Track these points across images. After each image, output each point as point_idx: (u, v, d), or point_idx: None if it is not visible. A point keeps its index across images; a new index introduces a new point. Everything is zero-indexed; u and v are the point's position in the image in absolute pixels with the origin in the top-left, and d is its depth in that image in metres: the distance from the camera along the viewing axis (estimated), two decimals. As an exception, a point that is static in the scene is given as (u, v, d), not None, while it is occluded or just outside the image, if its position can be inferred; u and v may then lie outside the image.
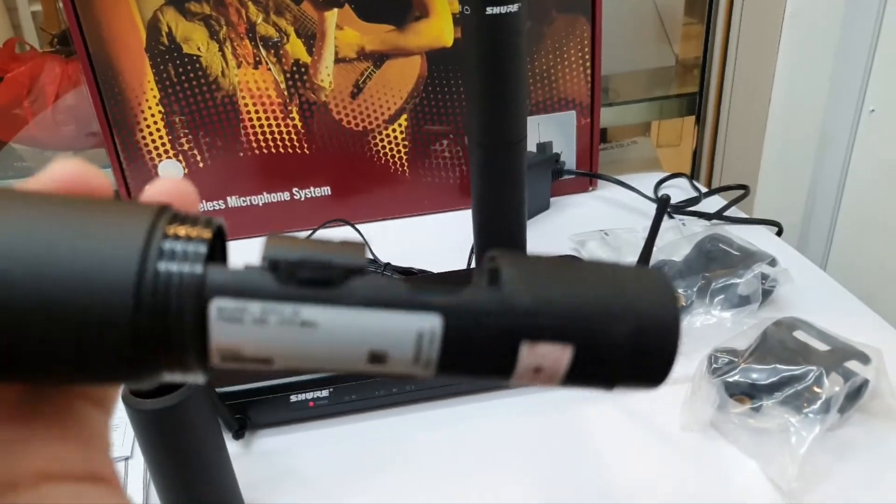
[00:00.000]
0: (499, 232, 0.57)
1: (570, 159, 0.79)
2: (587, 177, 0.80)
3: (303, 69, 0.73)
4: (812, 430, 0.45)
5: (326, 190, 0.79)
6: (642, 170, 0.86)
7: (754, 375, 0.48)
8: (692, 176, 0.84)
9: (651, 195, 0.75)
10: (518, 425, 0.50)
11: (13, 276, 0.15)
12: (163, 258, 0.16)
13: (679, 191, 0.78)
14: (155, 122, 0.74)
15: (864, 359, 0.48)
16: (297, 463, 0.49)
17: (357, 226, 0.74)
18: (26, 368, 0.16)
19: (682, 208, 0.69)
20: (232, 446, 0.50)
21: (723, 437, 0.48)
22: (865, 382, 0.47)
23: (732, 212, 0.72)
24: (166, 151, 0.75)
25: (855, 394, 0.47)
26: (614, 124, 0.90)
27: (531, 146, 0.77)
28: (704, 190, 0.74)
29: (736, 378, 0.48)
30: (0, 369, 0.16)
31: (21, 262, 0.15)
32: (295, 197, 0.78)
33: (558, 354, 0.18)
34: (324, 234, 0.75)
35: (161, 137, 0.74)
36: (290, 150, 0.76)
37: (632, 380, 0.19)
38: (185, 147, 0.75)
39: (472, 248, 0.60)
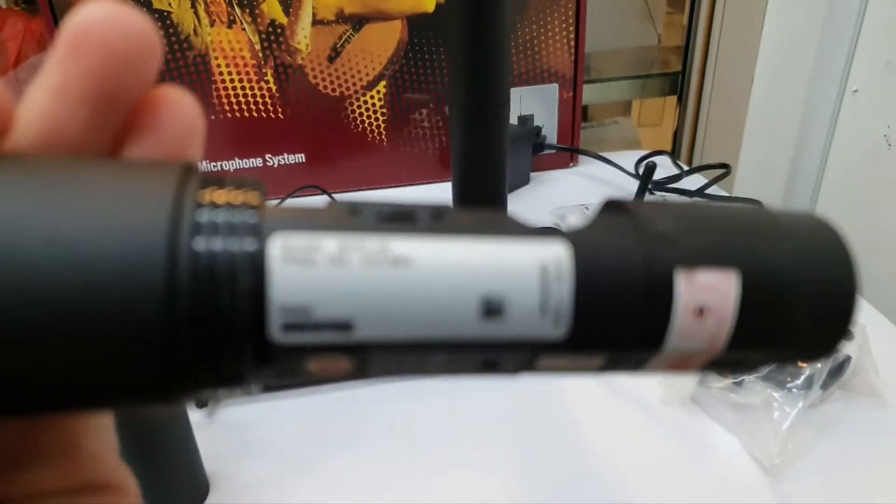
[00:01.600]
0: (479, 201, 0.56)
1: (551, 134, 0.78)
2: (569, 152, 0.79)
3: (279, 30, 0.70)
4: (794, 406, 0.44)
5: (301, 157, 0.76)
6: (623, 149, 0.85)
7: (737, 350, 0.47)
8: (673, 155, 0.83)
9: (632, 171, 0.74)
10: (494, 398, 0.49)
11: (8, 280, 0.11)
12: (199, 233, 0.12)
13: (660, 169, 0.77)
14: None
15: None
16: (262, 434, 0.47)
17: (332, 195, 0.72)
18: (35, 402, 0.12)
19: (664, 185, 0.68)
20: (195, 416, 0.48)
21: (704, 412, 0.47)
22: (848, 359, 0.47)
23: (713, 190, 0.71)
24: (133, 111, 0.72)
25: (837, 370, 0.47)
26: (596, 101, 0.89)
27: (512, 119, 0.76)
28: (686, 168, 0.73)
29: (718, 352, 0.47)
30: (9, 407, 0.12)
31: (15, 261, 0.11)
32: (268, 163, 0.76)
33: (724, 284, 0.14)
34: (301, 203, 0.72)
35: (128, 96, 0.71)
36: (263, 115, 0.74)
37: (808, 333, 0.15)
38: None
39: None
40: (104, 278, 0.11)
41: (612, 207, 0.15)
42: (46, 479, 0.16)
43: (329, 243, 0.12)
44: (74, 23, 0.13)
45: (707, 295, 0.14)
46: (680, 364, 0.15)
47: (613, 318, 0.13)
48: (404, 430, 0.47)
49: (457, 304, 0.13)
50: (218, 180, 0.13)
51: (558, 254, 0.13)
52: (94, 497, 0.17)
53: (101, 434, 0.17)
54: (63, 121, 0.13)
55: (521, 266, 0.13)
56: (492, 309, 0.13)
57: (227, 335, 0.12)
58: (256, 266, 0.12)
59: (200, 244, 0.12)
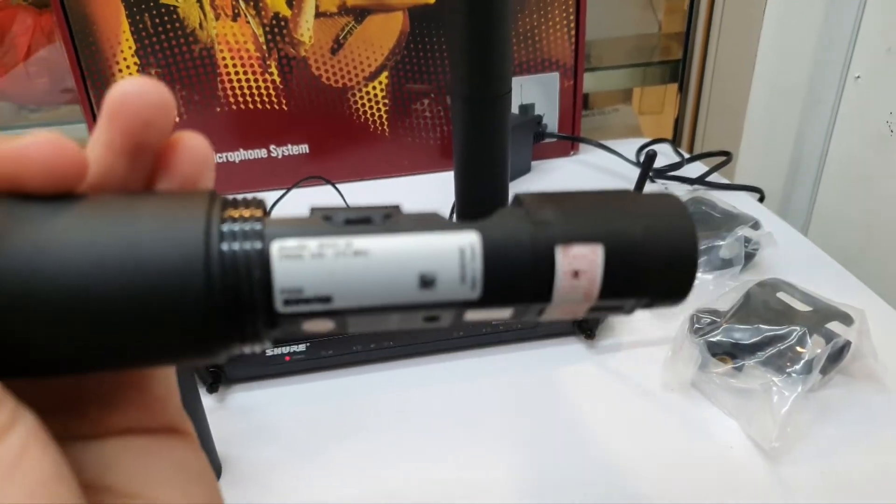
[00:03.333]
0: (481, 190, 0.56)
1: (552, 122, 0.78)
2: (570, 140, 0.79)
3: (282, 23, 0.71)
4: (794, 391, 0.45)
5: (304, 148, 0.77)
6: (624, 137, 0.85)
7: (736, 335, 0.48)
8: (674, 142, 0.83)
9: (633, 159, 0.74)
10: (497, 385, 0.50)
11: (91, 282, 0.16)
12: (224, 240, 0.17)
13: (661, 156, 0.77)
14: (131, 75, 0.71)
15: (846, 320, 0.48)
16: (273, 418, 0.48)
17: (336, 185, 0.73)
18: (114, 362, 0.18)
19: (665, 173, 0.68)
20: (206, 400, 0.49)
21: (704, 397, 0.48)
22: (847, 344, 0.47)
23: (714, 178, 0.71)
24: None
25: (837, 355, 0.47)
26: (596, 90, 0.89)
27: (514, 108, 0.76)
28: (687, 156, 0.74)
29: (718, 338, 0.48)
30: (91, 365, 0.18)
31: (99, 267, 0.16)
32: (272, 154, 0.76)
33: (592, 254, 0.19)
34: (306, 193, 0.73)
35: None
36: (268, 107, 0.74)
37: (660, 285, 0.20)
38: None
39: (453, 208, 0.59)
40: (163, 274, 0.17)
41: (515, 202, 0.20)
42: (125, 419, 0.21)
43: (311, 244, 0.18)
44: (114, 94, 0.18)
45: (580, 262, 0.19)
46: (570, 311, 0.20)
47: (512, 283, 0.19)
48: (409, 415, 0.48)
49: (402, 280, 0.18)
50: (233, 201, 0.19)
51: (472, 240, 0.18)
52: (172, 439, 0.21)
53: (166, 382, 0.22)
54: (111, 167, 0.19)
55: (446, 251, 0.18)
56: (427, 281, 0.18)
57: (247, 309, 0.17)
58: (264, 262, 0.17)
59: (226, 247, 0.17)
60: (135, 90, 0.18)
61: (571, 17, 0.74)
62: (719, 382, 0.47)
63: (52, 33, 0.81)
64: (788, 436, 0.44)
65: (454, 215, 0.58)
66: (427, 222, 0.19)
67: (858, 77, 0.66)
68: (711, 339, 0.48)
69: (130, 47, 0.70)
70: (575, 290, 0.19)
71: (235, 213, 0.18)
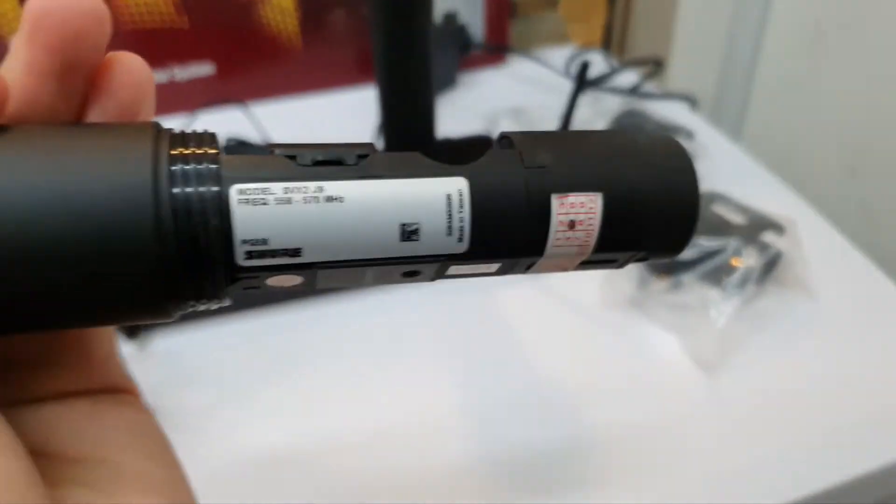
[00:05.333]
0: (405, 106, 0.52)
1: (477, 32, 0.74)
2: (497, 51, 0.75)
3: (172, -76, 0.63)
4: (730, 303, 0.44)
5: (210, 68, 0.70)
6: (552, 43, 0.82)
7: (674, 251, 0.47)
8: (605, 50, 0.81)
9: (563, 70, 0.71)
10: (433, 309, 0.48)
11: (23, 233, 0.14)
12: (175, 182, 0.15)
13: (592, 67, 0.75)
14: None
15: (778, 230, 0.48)
16: (199, 362, 0.45)
17: (247, 106, 0.67)
18: (53, 321, 0.16)
19: (597, 83, 0.66)
20: (127, 347, 0.45)
21: (643, 314, 0.47)
22: (779, 254, 0.47)
23: (647, 87, 0.69)
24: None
25: (770, 266, 0.47)
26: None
27: (436, 18, 0.71)
28: (617, 65, 0.71)
29: (656, 254, 0.47)
30: (26, 324, 0.16)
31: (31, 215, 0.14)
32: (176, 78, 0.70)
33: (590, 203, 0.17)
34: (215, 118, 0.67)
35: (14, 10, 0.63)
36: (166, 24, 0.67)
37: (659, 237, 0.18)
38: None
39: (380, 126, 0.55)
40: (108, 221, 0.14)
41: (503, 141, 0.18)
42: (67, 381, 0.19)
43: (276, 187, 0.15)
44: (33, 5, 0.15)
45: (576, 213, 0.17)
46: (560, 265, 0.19)
47: (503, 235, 0.17)
48: (339, 349, 0.46)
49: (381, 231, 0.16)
50: (181, 136, 0.16)
51: (460, 186, 0.16)
52: (110, 399, 0.20)
53: (107, 342, 0.21)
54: (35, 93, 0.16)
55: (431, 198, 0.16)
56: (409, 233, 0.16)
57: (204, 262, 0.15)
58: (223, 208, 0.15)
59: (178, 191, 0.15)
60: None
61: (493, -84, 0.69)
62: (658, 299, 0.46)
63: None
64: (725, 348, 0.44)
65: (382, 136, 0.54)
66: (408, 165, 0.17)
67: (788, -23, 0.64)
68: (649, 256, 0.47)
69: (-2, -44, 0.61)
70: (570, 243, 0.18)
71: (186, 151, 0.16)
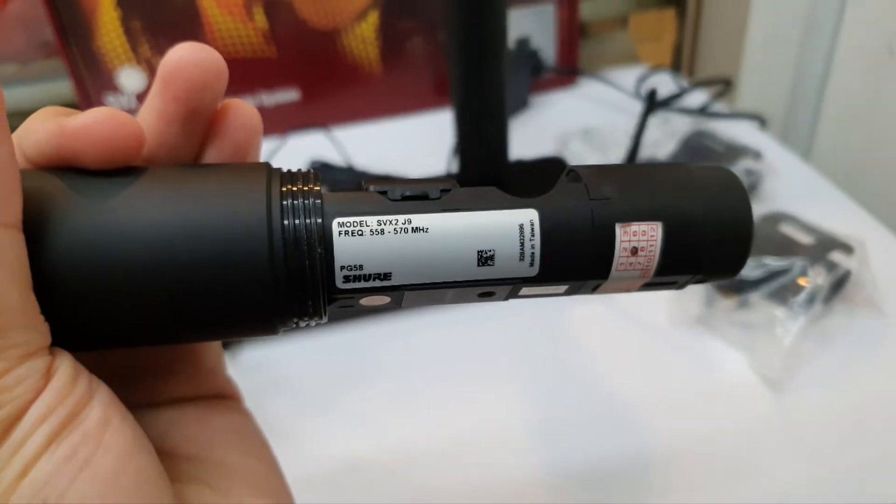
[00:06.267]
0: (480, 129, 0.55)
1: (549, 54, 0.77)
2: (568, 74, 0.78)
3: (265, -36, 0.68)
4: (797, 322, 0.45)
5: (295, 94, 0.75)
6: (621, 63, 0.84)
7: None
8: (674, 70, 0.82)
9: (633, 91, 0.73)
10: (504, 326, 0.50)
11: (156, 260, 0.16)
12: (285, 215, 0.17)
13: (661, 86, 0.76)
14: (115, 28, 0.69)
15: (847, 249, 0.48)
16: (286, 372, 0.49)
17: (330, 130, 0.72)
18: (178, 336, 0.18)
19: (666, 103, 0.67)
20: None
21: (710, 332, 0.48)
22: (848, 273, 0.48)
23: (716, 107, 0.70)
24: (129, 59, 0.71)
25: (838, 284, 0.48)
26: (591, 18, 0.86)
27: (508, 42, 0.74)
28: (686, 86, 0.72)
29: (723, 273, 0.48)
30: (154, 338, 0.18)
31: (163, 245, 0.16)
32: (264, 104, 0.75)
33: (652, 231, 0.19)
34: (300, 141, 0.72)
35: (122, 44, 0.70)
36: (255, 54, 0.73)
37: (716, 261, 0.20)
38: (147, 54, 0.71)
39: (455, 148, 0.58)
40: (230, 248, 0.17)
41: (570, 174, 0.20)
42: (180, 388, 0.22)
43: (371, 220, 0.18)
44: (168, 60, 0.18)
45: (639, 240, 0.19)
46: (624, 287, 0.20)
47: (571, 260, 0.19)
48: (420, 363, 0.49)
49: (461, 257, 0.18)
50: (290, 174, 0.19)
51: (531, 217, 0.18)
52: (217, 404, 0.22)
53: (215, 352, 0.23)
54: (164, 135, 0.19)
55: (505, 228, 0.18)
56: (485, 259, 0.18)
57: (308, 284, 0.18)
58: (326, 238, 0.17)
59: (287, 223, 0.17)
60: (189, 55, 0.18)
61: (564, -56, 0.72)
62: (725, 317, 0.48)
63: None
64: (791, 366, 0.45)
65: (458, 158, 0.57)
66: (485, 198, 0.19)
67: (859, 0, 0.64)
68: (716, 275, 0.48)
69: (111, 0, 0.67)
70: (633, 268, 0.19)
71: (294, 188, 0.18)
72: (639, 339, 0.49)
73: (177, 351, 0.22)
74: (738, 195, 0.20)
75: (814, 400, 0.44)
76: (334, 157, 0.67)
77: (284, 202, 0.17)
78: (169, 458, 0.20)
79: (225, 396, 0.23)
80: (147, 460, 0.17)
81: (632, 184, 0.19)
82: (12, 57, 0.85)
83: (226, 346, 0.50)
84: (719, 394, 0.45)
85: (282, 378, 0.48)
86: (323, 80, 0.75)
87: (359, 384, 0.48)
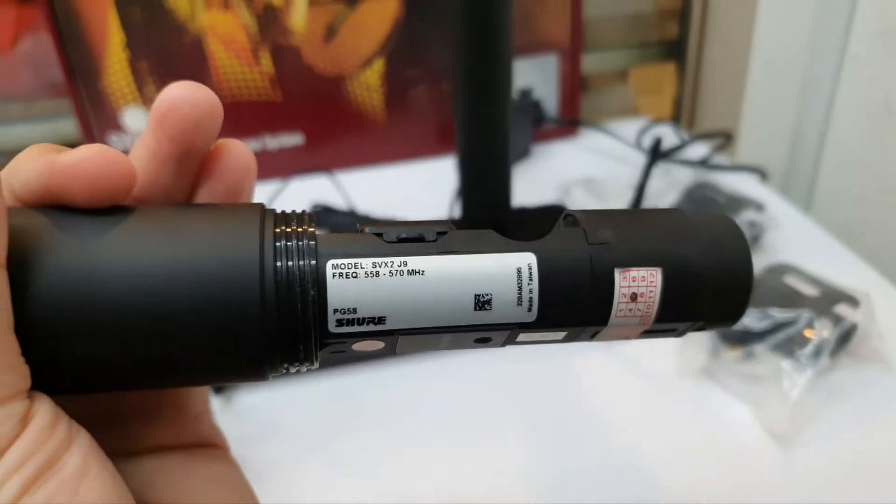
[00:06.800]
0: (483, 176, 0.56)
1: (551, 105, 0.78)
2: (569, 124, 0.79)
3: (274, 12, 0.69)
4: (804, 375, 0.45)
5: (299, 138, 0.76)
6: (620, 116, 0.85)
7: (746, 321, 0.48)
8: (675, 122, 0.83)
9: (633, 143, 0.74)
10: (507, 375, 0.50)
11: (144, 301, 0.16)
12: (278, 257, 0.17)
13: (662, 138, 0.77)
14: (122, 69, 0.70)
15: (853, 302, 0.48)
16: (281, 417, 0.48)
17: (333, 174, 0.72)
18: (164, 380, 0.18)
19: (668, 155, 0.68)
20: (214, 401, 0.49)
21: (716, 383, 0.48)
22: (854, 326, 0.48)
23: (716, 160, 0.71)
24: (134, 99, 0.71)
25: (844, 338, 0.47)
26: (592, 71, 0.88)
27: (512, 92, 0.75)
28: (687, 138, 0.73)
29: (728, 324, 0.48)
30: (140, 382, 0.17)
31: (153, 285, 0.16)
32: (268, 147, 0.76)
33: (651, 277, 0.19)
34: (303, 185, 0.72)
35: (128, 84, 0.70)
36: (261, 98, 0.73)
37: (716, 307, 0.19)
38: (152, 94, 0.71)
39: (457, 193, 0.58)
40: (217, 291, 0.16)
41: (568, 219, 0.20)
42: (164, 436, 0.21)
43: (366, 262, 0.17)
44: (161, 101, 0.18)
45: (638, 286, 0.18)
46: (623, 334, 0.20)
47: (569, 306, 0.18)
48: (419, 410, 0.48)
49: (458, 301, 0.18)
50: (283, 216, 0.18)
51: (529, 260, 0.18)
52: (202, 453, 0.22)
53: (201, 399, 0.22)
54: (157, 174, 0.18)
55: (502, 272, 0.18)
56: (483, 303, 0.18)
57: (300, 328, 0.17)
58: (319, 280, 0.17)
59: (280, 265, 0.17)
60: (184, 94, 0.18)
61: (567, -2, 0.73)
62: (730, 368, 0.47)
63: (36, 26, 0.79)
64: (799, 419, 0.44)
65: (460, 203, 0.57)
66: (482, 241, 0.18)
67: (857, 56, 0.65)
68: (721, 326, 0.48)
69: (120, 40, 0.68)
70: (632, 314, 0.19)
71: (288, 229, 0.17)
72: (643, 390, 0.48)
73: (162, 396, 0.21)
74: (737, 241, 0.20)
75: (822, 455, 0.43)
76: (337, 201, 0.67)
77: (278, 243, 0.17)
78: None
79: (210, 445, 0.22)
80: None
81: (630, 228, 0.19)
82: (18, 95, 0.86)
83: (219, 390, 0.49)
84: (725, 447, 0.44)
85: (276, 423, 0.47)
86: (327, 125, 0.76)
87: (355, 431, 0.47)
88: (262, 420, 0.48)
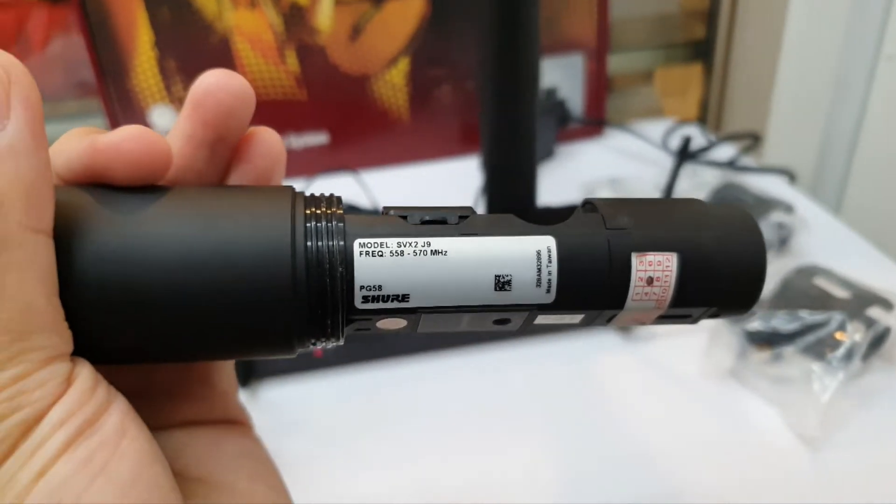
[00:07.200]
0: (509, 175, 0.55)
1: (576, 104, 0.77)
2: (595, 124, 0.78)
3: (300, 11, 0.70)
4: (835, 378, 0.44)
5: (324, 137, 0.76)
6: (645, 117, 0.84)
7: (775, 323, 0.47)
8: (701, 124, 0.82)
9: (659, 143, 0.73)
10: (532, 376, 0.49)
11: (180, 276, 0.17)
12: (309, 237, 0.18)
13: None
14: (151, 68, 0.70)
15: (886, 305, 0.47)
16: (305, 411, 0.48)
17: (358, 173, 0.72)
18: (198, 352, 0.18)
19: (695, 156, 0.67)
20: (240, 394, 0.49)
21: (743, 386, 0.47)
22: (888, 330, 0.47)
23: (743, 160, 0.70)
24: (162, 98, 0.72)
25: (877, 341, 0.46)
26: (618, 72, 0.87)
27: (536, 92, 0.75)
28: (713, 139, 0.73)
29: (756, 326, 0.47)
30: (174, 354, 0.18)
31: (189, 262, 0.17)
32: (293, 146, 0.76)
33: (667, 262, 0.19)
34: (328, 183, 0.72)
35: (156, 83, 0.71)
36: (286, 97, 0.74)
37: (730, 294, 0.20)
38: (180, 93, 0.72)
39: (482, 191, 0.58)
40: (253, 267, 0.17)
41: (587, 206, 0.21)
42: (193, 411, 0.22)
43: (391, 241, 0.18)
44: (196, 87, 0.19)
45: (654, 270, 0.19)
46: (639, 318, 0.20)
47: (587, 288, 0.19)
48: (442, 408, 0.48)
49: (478, 281, 0.18)
50: (313, 198, 0.19)
51: (548, 243, 0.19)
52: (228, 429, 0.22)
53: (228, 377, 0.23)
54: (191, 159, 0.19)
55: (522, 253, 0.18)
56: (503, 283, 0.18)
57: (330, 305, 0.18)
58: (347, 259, 0.18)
59: (311, 244, 0.18)
60: (219, 81, 0.18)
61: (593, -1, 0.73)
62: (758, 370, 0.46)
63: (67, 27, 0.80)
64: (829, 423, 0.44)
65: (485, 198, 0.57)
66: (503, 224, 0.19)
67: (891, 56, 0.64)
68: (749, 328, 0.47)
69: (148, 40, 0.69)
70: (648, 298, 0.19)
71: (318, 211, 0.18)
72: (669, 391, 0.48)
73: (191, 373, 0.22)
74: (751, 230, 0.20)
75: (853, 459, 0.42)
76: (361, 200, 0.67)
77: (308, 224, 0.18)
78: (179, 480, 0.19)
79: (236, 422, 0.23)
80: (162, 471, 0.17)
81: (647, 215, 0.20)
82: (48, 96, 0.87)
83: (244, 383, 0.49)
84: (752, 449, 0.44)
85: (300, 418, 0.47)
86: (352, 124, 0.76)
87: (378, 426, 0.47)
88: (286, 414, 0.48)
